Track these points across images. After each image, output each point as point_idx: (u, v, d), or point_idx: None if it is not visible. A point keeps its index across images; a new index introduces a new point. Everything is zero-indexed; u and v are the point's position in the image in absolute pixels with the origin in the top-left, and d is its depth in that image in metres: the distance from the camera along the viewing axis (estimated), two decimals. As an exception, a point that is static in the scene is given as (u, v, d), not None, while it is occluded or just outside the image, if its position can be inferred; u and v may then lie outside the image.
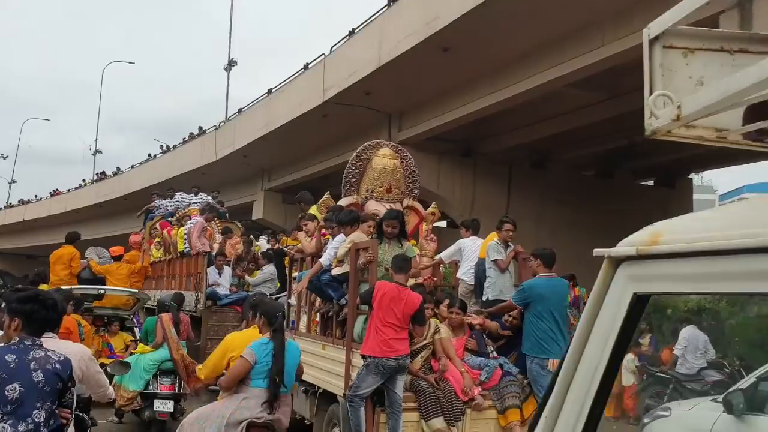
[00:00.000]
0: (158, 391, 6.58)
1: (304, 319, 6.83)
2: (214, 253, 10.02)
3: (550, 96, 12.84)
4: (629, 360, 8.89)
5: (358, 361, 5.12)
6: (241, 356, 3.91)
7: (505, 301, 6.04)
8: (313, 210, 7.23)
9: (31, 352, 2.74)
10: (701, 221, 1.09)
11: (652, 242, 1.07)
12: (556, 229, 15.95)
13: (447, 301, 5.77)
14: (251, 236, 11.29)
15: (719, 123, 1.16)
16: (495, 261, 6.25)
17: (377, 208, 6.17)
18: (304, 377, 5.73)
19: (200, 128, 27.42)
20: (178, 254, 10.94)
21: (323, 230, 6.55)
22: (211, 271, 9.61)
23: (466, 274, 6.77)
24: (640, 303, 1.10)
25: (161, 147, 30.97)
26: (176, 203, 13.17)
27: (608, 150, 17.11)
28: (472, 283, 6.62)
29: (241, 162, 22.31)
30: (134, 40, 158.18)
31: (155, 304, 8.42)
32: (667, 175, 19.51)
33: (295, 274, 7.12)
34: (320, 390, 5.89)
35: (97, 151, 43.41)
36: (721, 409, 4.37)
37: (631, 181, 19.40)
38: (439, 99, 14.45)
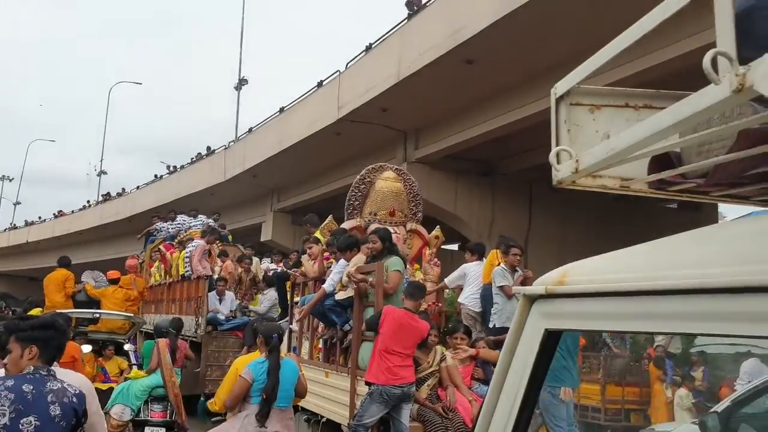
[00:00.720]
0: (149, 419, 6.62)
1: (306, 345, 6.93)
2: (215, 277, 10.15)
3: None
4: (683, 396, 8.44)
5: (363, 389, 5.23)
6: (240, 376, 4.32)
7: None
8: (317, 234, 7.46)
9: (48, 384, 2.68)
10: (606, 263, 1.21)
11: (559, 282, 1.20)
12: (580, 252, 15.46)
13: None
14: (251, 258, 11.39)
15: (625, 173, 1.32)
16: (501, 287, 6.27)
17: None
18: (307, 406, 5.90)
19: (208, 148, 27.75)
20: (179, 277, 11.09)
21: (326, 254, 6.73)
22: (211, 297, 9.69)
23: (468, 299, 6.84)
24: (551, 339, 1.22)
25: (168, 167, 31.27)
26: (177, 226, 13.36)
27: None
28: (477, 310, 6.71)
29: (251, 182, 22.59)
30: (142, 62, 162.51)
31: (153, 328, 8.50)
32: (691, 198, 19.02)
33: (297, 299, 7.27)
34: (323, 419, 5.96)
35: (102, 172, 44.43)
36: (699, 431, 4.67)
37: (655, 204, 19.03)
38: (458, 115, 14.49)
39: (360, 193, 6.86)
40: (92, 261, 27.77)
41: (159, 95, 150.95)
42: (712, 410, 4.83)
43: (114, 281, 11.57)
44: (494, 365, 5.44)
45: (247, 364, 4.39)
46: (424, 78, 12.79)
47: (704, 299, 0.93)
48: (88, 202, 40.30)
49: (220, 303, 9.78)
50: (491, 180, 17.06)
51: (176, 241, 12.61)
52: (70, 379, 2.98)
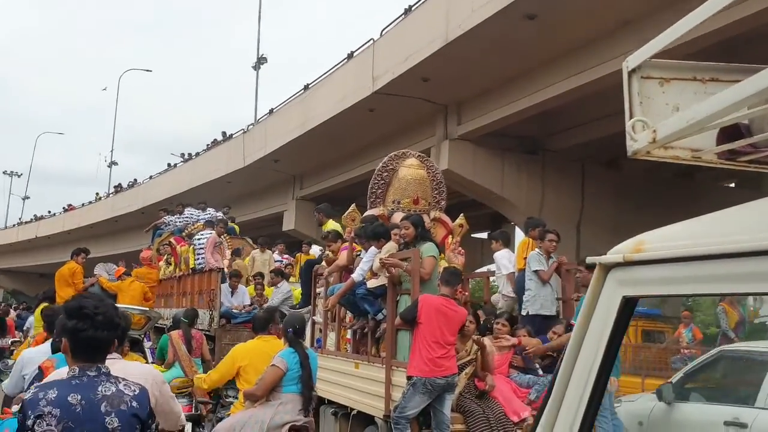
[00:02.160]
0: None
1: (332, 336, 7.19)
2: (227, 270, 10.73)
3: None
4: None
5: (398, 379, 5.57)
6: (272, 365, 4.56)
7: (548, 315, 6.50)
8: (329, 225, 8.00)
9: (100, 387, 2.39)
10: (681, 230, 1.38)
11: (636, 250, 1.37)
12: (634, 235, 15.49)
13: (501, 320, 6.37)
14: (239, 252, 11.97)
15: (695, 144, 1.48)
16: (536, 272, 6.51)
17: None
18: (336, 398, 6.32)
19: (224, 133, 27.87)
20: (189, 271, 11.69)
21: (353, 244, 7.03)
22: (224, 290, 10.19)
23: (507, 287, 7.18)
24: (628, 305, 1.38)
25: (182, 155, 31.61)
26: (185, 219, 14.14)
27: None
28: (512, 296, 7.03)
29: (272, 168, 22.76)
30: (153, 54, 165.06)
31: (167, 322, 8.98)
32: (748, 175, 18.65)
33: (319, 290, 7.65)
34: (354, 412, 6.20)
35: (113, 163, 45.21)
36: (656, 399, 5.85)
37: (712, 183, 18.61)
38: (507, 85, 14.19)
39: (383, 181, 7.25)
40: (104, 255, 28.20)
41: (171, 86, 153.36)
42: (667, 382, 6.02)
43: (127, 274, 11.72)
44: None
45: (280, 353, 4.61)
46: (475, 39, 12.43)
47: None
48: (98, 194, 41.12)
49: (232, 296, 10.24)
50: (540, 158, 16.72)
51: (185, 234, 13.19)
52: (129, 370, 2.77)
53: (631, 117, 1.46)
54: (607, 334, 1.39)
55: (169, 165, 32.83)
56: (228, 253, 11.72)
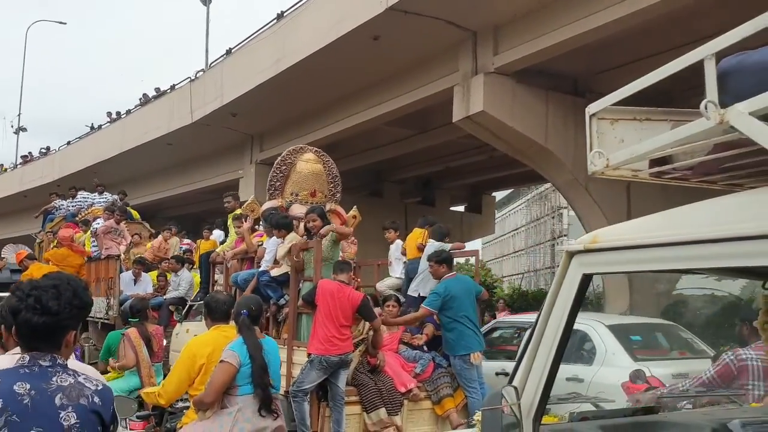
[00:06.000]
0: (128, 431, 6.59)
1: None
2: (125, 255, 11.90)
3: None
4: None
5: (298, 358, 7.28)
6: (221, 360, 4.47)
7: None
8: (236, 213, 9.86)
9: (54, 378, 2.28)
10: (625, 227, 2.39)
11: (593, 241, 2.36)
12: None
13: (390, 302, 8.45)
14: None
15: (635, 166, 2.50)
16: None
17: (302, 211, 8.44)
18: None
19: (157, 89, 25.44)
20: (86, 258, 12.86)
21: (258, 233, 9.25)
22: (126, 278, 11.23)
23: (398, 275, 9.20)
24: (586, 281, 2.36)
25: (109, 114, 28.05)
26: (78, 203, 15.22)
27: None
28: (398, 280, 8.90)
29: (226, 125, 21.86)
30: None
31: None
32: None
33: (216, 277, 9.42)
34: None
35: (21, 129, 41.05)
36: None
37: None
38: (559, 4, 12.38)
39: (281, 174, 8.91)
40: (11, 237, 24.72)
41: (93, 44, 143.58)
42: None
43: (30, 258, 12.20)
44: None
45: (228, 345, 4.50)
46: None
47: (695, 247, 2.01)
48: (2, 166, 38.59)
49: (135, 284, 11.10)
50: (588, 103, 13.97)
51: (78, 219, 14.21)
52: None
53: (591, 149, 2.36)
54: (571, 302, 2.30)
55: (92, 128, 29.54)
56: (129, 241, 12.32)
